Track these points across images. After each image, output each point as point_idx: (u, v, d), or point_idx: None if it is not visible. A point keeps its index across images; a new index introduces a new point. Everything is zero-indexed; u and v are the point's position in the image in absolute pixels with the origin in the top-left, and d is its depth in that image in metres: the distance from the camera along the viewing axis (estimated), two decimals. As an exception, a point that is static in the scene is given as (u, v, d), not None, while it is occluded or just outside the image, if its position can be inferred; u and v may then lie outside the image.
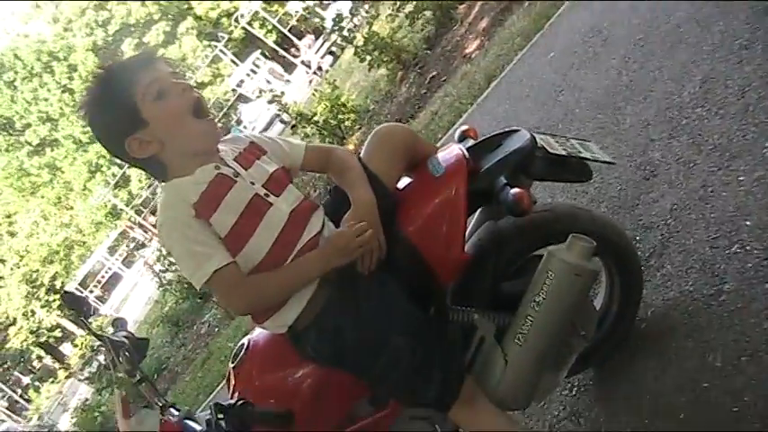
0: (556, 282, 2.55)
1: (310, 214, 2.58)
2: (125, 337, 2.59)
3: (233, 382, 2.78)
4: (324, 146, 3.01)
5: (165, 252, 16.40)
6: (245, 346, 2.82)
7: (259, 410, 2.41)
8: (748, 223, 3.27)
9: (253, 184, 2.52)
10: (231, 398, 2.66)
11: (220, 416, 2.36)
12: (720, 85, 4.29)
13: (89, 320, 2.74)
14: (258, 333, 2.86)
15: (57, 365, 41.21)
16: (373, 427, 2.79)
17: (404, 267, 2.63)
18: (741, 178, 3.52)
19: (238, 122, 27.99)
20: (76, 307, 2.68)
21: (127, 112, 2.42)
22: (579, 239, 2.56)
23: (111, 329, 2.70)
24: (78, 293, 2.78)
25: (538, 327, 2.60)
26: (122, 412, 2.52)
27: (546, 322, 2.60)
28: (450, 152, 2.84)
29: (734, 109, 3.99)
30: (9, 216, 43.73)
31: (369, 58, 12.70)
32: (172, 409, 2.52)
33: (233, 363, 2.82)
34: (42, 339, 42.09)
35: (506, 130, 2.93)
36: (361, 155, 2.82)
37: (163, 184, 2.54)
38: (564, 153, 2.81)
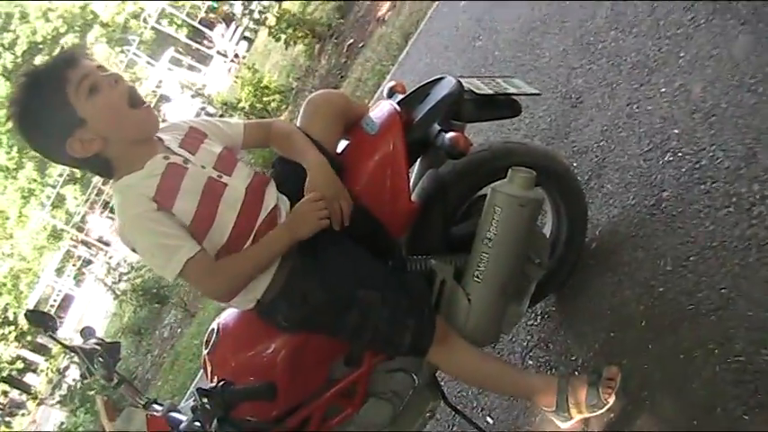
0: (503, 215, 2.65)
1: (264, 188, 2.63)
2: (96, 344, 2.60)
3: (209, 368, 2.82)
4: (261, 120, 3.05)
5: (113, 264, 16.30)
6: (215, 331, 2.86)
7: (241, 388, 2.47)
8: (676, 131, 3.38)
9: (203, 168, 2.54)
10: (211, 383, 2.70)
11: (204, 400, 2.40)
12: (630, 5, 4.39)
13: (56, 334, 2.76)
14: (226, 316, 2.91)
15: (24, 397, 40.69)
16: (351, 386, 2.86)
17: (356, 226, 2.69)
18: (663, 90, 3.64)
19: (163, 122, 27.68)
20: (41, 323, 2.69)
21: (62, 113, 2.38)
22: (519, 171, 2.66)
23: (80, 340, 2.71)
24: (40, 311, 2.80)
25: (493, 261, 2.71)
26: (107, 416, 2.55)
27: (500, 256, 2.71)
28: (381, 109, 2.91)
29: (645, 26, 4.10)
30: (-52, 255, 42.96)
31: (284, 36, 12.65)
32: (155, 405, 2.55)
33: (206, 349, 2.86)
34: (4, 374, 41.52)
35: (432, 79, 2.99)
36: (298, 124, 2.85)
37: (113, 183, 2.53)
38: (491, 92, 2.90)
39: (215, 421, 2.34)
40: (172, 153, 2.54)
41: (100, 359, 2.55)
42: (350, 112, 2.93)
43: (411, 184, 3.00)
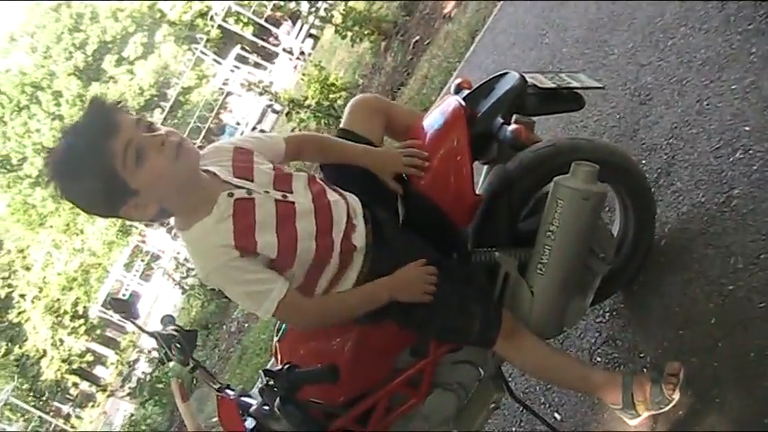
0: (565, 208, 2.69)
1: (325, 192, 2.67)
2: (174, 330, 2.70)
3: (279, 354, 2.93)
4: (291, 134, 3.07)
5: (181, 260, 16.50)
6: None
7: (305, 370, 2.53)
8: (747, 128, 3.35)
9: (267, 192, 2.55)
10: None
11: (269, 381, 2.46)
12: (700, 2, 4.35)
13: (137, 320, 2.87)
14: None
15: (94, 389, 41.44)
16: (416, 376, 2.92)
17: (423, 220, 2.82)
18: (733, 87, 3.60)
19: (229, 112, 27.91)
20: (124, 310, 2.80)
21: (112, 186, 2.33)
22: (582, 165, 2.69)
23: (160, 326, 2.80)
24: (123, 298, 2.90)
25: (556, 254, 2.75)
26: (180, 396, 2.63)
27: (562, 248, 2.75)
28: (447, 104, 2.99)
29: (716, 22, 4.06)
30: (22, 251, 43.81)
31: (350, 33, 12.69)
32: (228, 390, 2.63)
33: (277, 337, 2.96)
34: (75, 366, 42.28)
35: (497, 74, 3.05)
36: (342, 124, 2.99)
37: (183, 232, 2.51)
38: (554, 86, 2.97)
39: (278, 400, 2.42)
40: (232, 187, 2.52)
41: (177, 345, 2.65)
42: (389, 110, 3.08)
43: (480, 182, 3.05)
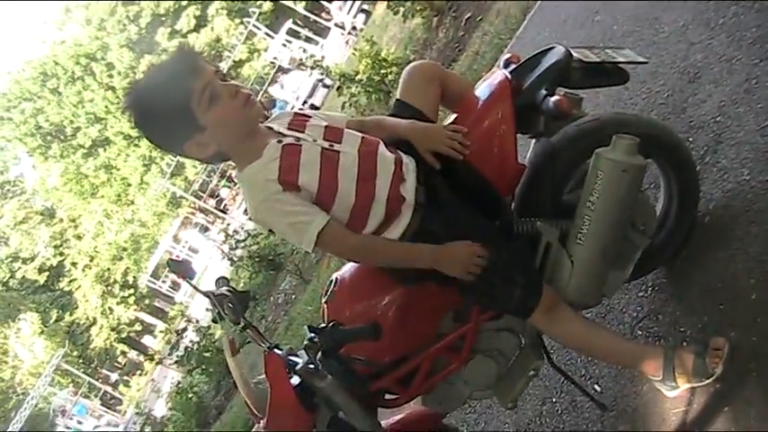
0: (605, 179, 2.74)
1: (376, 149, 2.77)
2: (227, 290, 2.80)
3: (325, 314, 3.04)
4: (358, 118, 3.19)
5: (230, 232, 16.65)
6: (333, 282, 3.08)
7: (348, 327, 2.63)
8: (795, 107, 3.36)
9: (315, 141, 2.71)
10: None
11: (313, 335, 2.56)
12: (753, -20, 4.33)
13: (193, 281, 2.97)
14: (345, 269, 3.13)
15: (141, 358, 42.05)
16: (458, 342, 3.00)
17: (469, 187, 2.89)
18: (783, 65, 3.61)
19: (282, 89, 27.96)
20: (182, 271, 2.91)
21: (184, 120, 2.56)
22: (622, 137, 2.74)
23: (214, 287, 2.90)
24: (179, 260, 3.00)
25: (595, 224, 2.81)
26: (230, 351, 2.74)
27: (602, 219, 2.80)
28: (494, 77, 3.08)
29: (768, 0, 4.06)
30: (74, 220, 44.52)
31: (402, 9, 12.75)
32: (276, 350, 2.72)
33: (325, 298, 3.07)
34: (123, 335, 42.93)
35: (544, 48, 3.10)
36: (398, 94, 3.07)
37: (238, 174, 2.74)
38: (599, 60, 3.02)
39: (320, 354, 2.51)
40: (283, 136, 2.71)
41: (230, 305, 2.74)
42: (445, 77, 3.12)
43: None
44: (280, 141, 2.68)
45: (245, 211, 3.15)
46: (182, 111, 2.53)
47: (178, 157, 2.79)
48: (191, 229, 39.28)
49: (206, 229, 37.51)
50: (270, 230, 2.77)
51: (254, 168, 2.63)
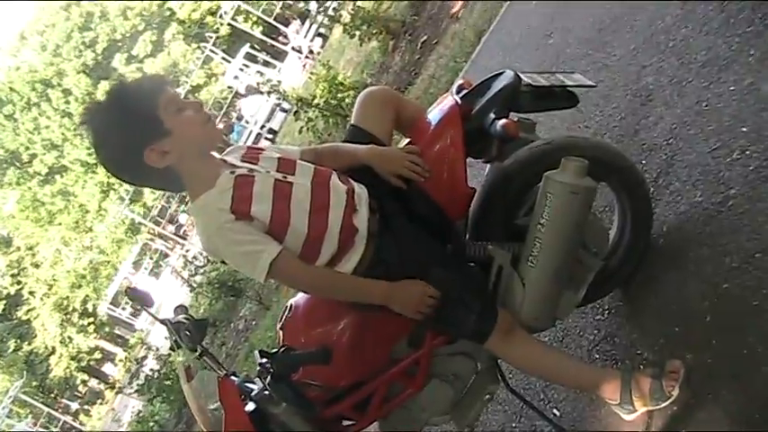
0: (555, 202, 2.76)
1: (329, 178, 2.77)
2: (185, 318, 2.80)
3: (281, 340, 3.03)
4: (311, 147, 3.22)
5: (190, 257, 16.58)
6: (288, 308, 3.09)
7: (299, 352, 2.63)
8: (744, 129, 3.39)
9: (268, 172, 2.71)
10: None
11: (264, 361, 2.56)
12: (701, 4, 4.38)
13: (151, 309, 2.98)
14: (301, 295, 3.13)
15: (102, 386, 41.57)
16: (413, 367, 3.00)
17: (421, 212, 2.91)
18: (732, 88, 3.64)
19: (239, 118, 27.95)
20: (140, 299, 2.89)
21: (149, 122, 2.57)
22: (571, 159, 2.76)
23: (172, 315, 2.88)
24: (139, 288, 3.00)
25: (546, 247, 2.82)
26: (185, 378, 2.73)
27: (552, 241, 2.81)
28: (444, 103, 3.11)
29: (716, 24, 4.10)
30: (31, 248, 44.02)
31: (358, 33, 12.76)
32: (233, 377, 2.74)
33: (280, 324, 3.08)
34: (84, 363, 42.43)
35: (494, 73, 3.12)
36: (352, 120, 3.09)
37: (190, 205, 2.73)
38: (547, 84, 3.04)
39: (270, 378, 2.51)
40: (236, 167, 2.71)
41: (187, 333, 2.74)
42: (399, 104, 3.15)
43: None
44: (233, 172, 2.67)
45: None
46: (147, 114, 2.57)
47: (132, 181, 2.75)
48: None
49: (166, 256, 37.22)
50: (222, 261, 2.76)
51: (207, 198, 2.62)
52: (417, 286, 2.72)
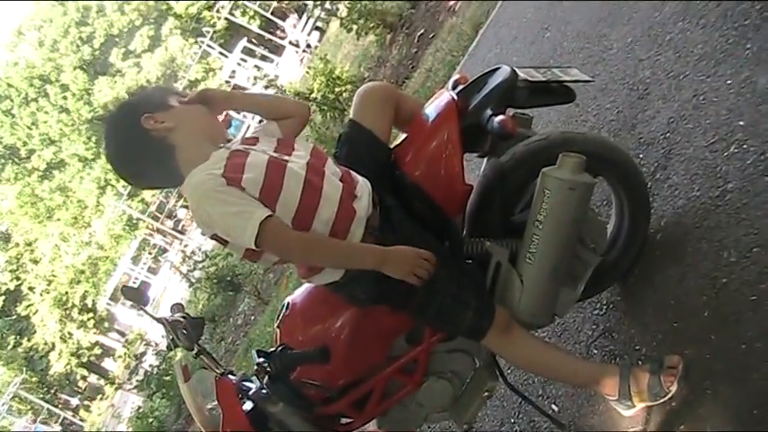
0: (552, 198, 2.75)
1: (324, 163, 2.75)
2: (181, 317, 2.78)
3: (278, 338, 3.02)
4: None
5: (188, 253, 16.55)
6: (286, 306, 3.07)
7: (297, 351, 2.61)
8: (741, 123, 3.38)
9: (264, 152, 2.68)
10: None
11: (261, 360, 2.54)
12: (697, -3, 4.38)
13: (147, 308, 2.97)
14: (297, 293, 3.12)
15: (102, 382, 41.58)
16: (411, 364, 3.01)
17: (417, 209, 2.91)
18: (729, 82, 3.63)
19: (237, 113, 27.88)
20: (136, 298, 2.88)
21: (155, 99, 2.76)
22: (568, 156, 2.75)
23: (169, 314, 2.87)
24: (133, 286, 2.99)
25: (544, 243, 2.81)
26: (183, 377, 2.71)
27: (550, 238, 2.81)
28: (440, 99, 3.08)
29: (713, 17, 4.09)
30: (30, 244, 43.93)
31: (355, 27, 12.73)
32: (230, 375, 2.72)
33: (277, 322, 3.06)
34: (84, 359, 42.41)
35: (491, 69, 3.11)
36: (351, 114, 3.07)
37: (183, 186, 2.68)
38: (544, 79, 3.02)
39: (267, 378, 2.50)
40: (233, 146, 2.74)
41: (184, 331, 2.73)
42: (398, 99, 3.12)
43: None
44: (228, 149, 2.69)
45: (203, 232, 3.11)
46: (157, 95, 2.81)
47: (135, 168, 2.71)
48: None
49: (164, 251, 37.19)
50: (213, 236, 2.67)
51: (199, 169, 2.61)
52: (410, 249, 2.66)
